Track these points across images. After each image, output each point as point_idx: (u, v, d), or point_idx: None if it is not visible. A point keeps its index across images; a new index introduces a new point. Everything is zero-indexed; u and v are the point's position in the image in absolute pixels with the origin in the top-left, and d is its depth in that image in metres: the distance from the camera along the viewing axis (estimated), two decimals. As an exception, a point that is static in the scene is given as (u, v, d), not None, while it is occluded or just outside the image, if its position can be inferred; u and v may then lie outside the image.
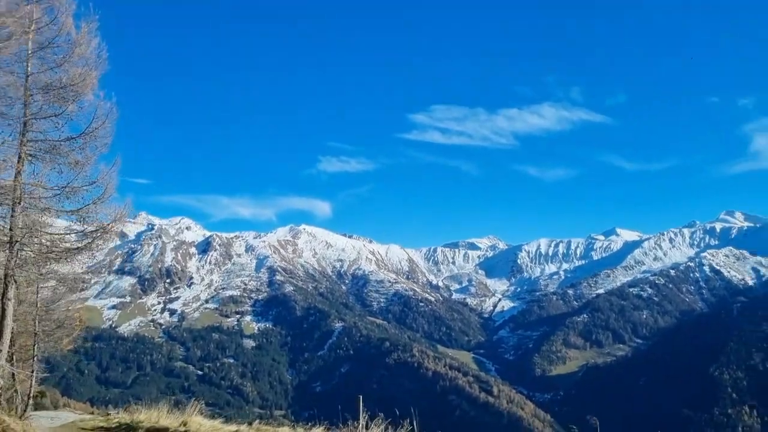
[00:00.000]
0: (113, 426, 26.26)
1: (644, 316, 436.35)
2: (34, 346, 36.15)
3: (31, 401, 34.48)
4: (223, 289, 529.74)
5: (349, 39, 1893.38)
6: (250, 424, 24.88)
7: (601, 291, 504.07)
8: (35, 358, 36.63)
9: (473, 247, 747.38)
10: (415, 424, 14.19)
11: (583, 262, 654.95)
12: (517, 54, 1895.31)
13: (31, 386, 35.02)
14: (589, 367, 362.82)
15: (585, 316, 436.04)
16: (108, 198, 19.93)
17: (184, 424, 22.77)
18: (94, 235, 20.72)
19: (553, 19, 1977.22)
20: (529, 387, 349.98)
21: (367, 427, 16.81)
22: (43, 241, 20.47)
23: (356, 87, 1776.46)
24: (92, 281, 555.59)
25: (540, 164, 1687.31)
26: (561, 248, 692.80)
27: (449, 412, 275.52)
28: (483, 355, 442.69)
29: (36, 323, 36.43)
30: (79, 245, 21.28)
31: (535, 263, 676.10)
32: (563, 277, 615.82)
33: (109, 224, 20.65)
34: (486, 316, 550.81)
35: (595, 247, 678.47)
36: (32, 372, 35.49)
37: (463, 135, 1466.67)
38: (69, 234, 19.87)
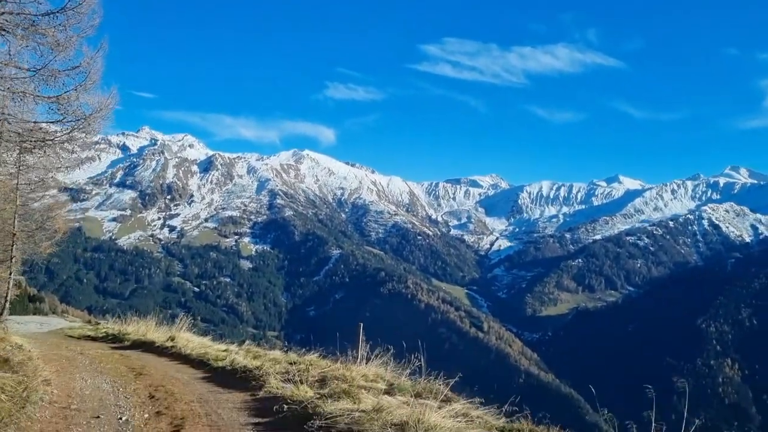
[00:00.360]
0: (100, 335, 25.59)
1: (638, 265, 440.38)
2: (12, 246, 34.76)
3: (8, 304, 33.84)
4: (222, 209, 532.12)
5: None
6: (241, 344, 23.27)
7: (598, 237, 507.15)
8: (13, 259, 35.34)
9: (475, 184, 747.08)
10: (422, 360, 13.61)
11: (583, 207, 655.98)
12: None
13: (8, 288, 34.29)
14: (579, 310, 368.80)
15: (580, 260, 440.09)
16: (92, 86, 17.93)
17: (172, 339, 22.14)
18: (74, 125, 18.71)
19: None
20: (519, 326, 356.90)
21: (367, 359, 15.94)
22: (18, 128, 18.55)
23: (369, 12, 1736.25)
24: (93, 192, 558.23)
25: (549, 106, 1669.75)
26: (562, 192, 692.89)
27: (439, 344, 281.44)
28: (476, 292, 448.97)
29: (14, 222, 34.88)
30: (59, 135, 19.50)
31: (535, 205, 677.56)
32: (562, 221, 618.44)
33: (91, 114, 18.64)
34: (482, 253, 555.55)
35: (596, 193, 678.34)
36: (9, 273, 34.45)
37: (474, 70, 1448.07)
38: (48, 124, 18.14)
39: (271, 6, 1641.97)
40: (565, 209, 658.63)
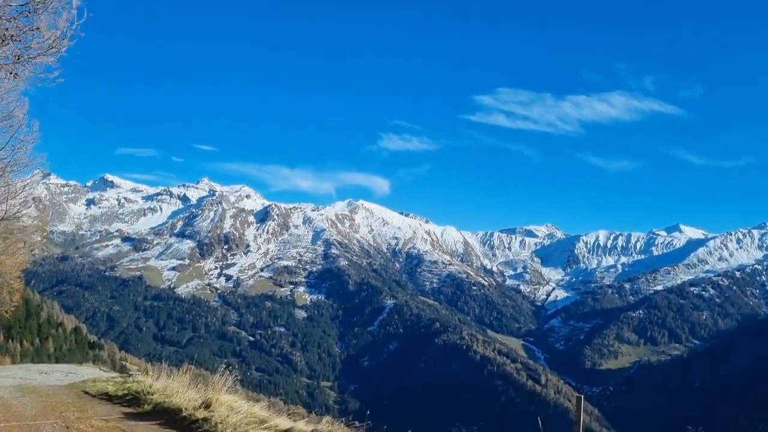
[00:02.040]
0: (119, 394, 21.32)
1: (704, 317, 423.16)
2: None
3: None
4: (278, 258, 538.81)
5: (417, 16, 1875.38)
6: (311, 416, 19.94)
7: (659, 287, 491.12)
8: None
9: (530, 234, 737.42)
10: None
11: (643, 256, 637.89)
12: (588, 39, 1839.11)
13: None
14: (642, 364, 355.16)
15: (641, 312, 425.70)
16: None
17: (206, 407, 15.60)
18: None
19: (627, 4, 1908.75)
20: (578, 379, 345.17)
21: None
22: None
23: (422, 66, 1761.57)
24: (154, 242, 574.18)
25: (604, 154, 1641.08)
26: (620, 241, 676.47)
27: (495, 397, 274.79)
28: (533, 343, 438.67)
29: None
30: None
31: (592, 255, 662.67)
32: (620, 271, 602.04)
33: None
34: (538, 304, 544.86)
35: (656, 243, 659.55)
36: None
37: (527, 119, 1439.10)
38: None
39: (325, 60, 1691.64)
40: (623, 259, 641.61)
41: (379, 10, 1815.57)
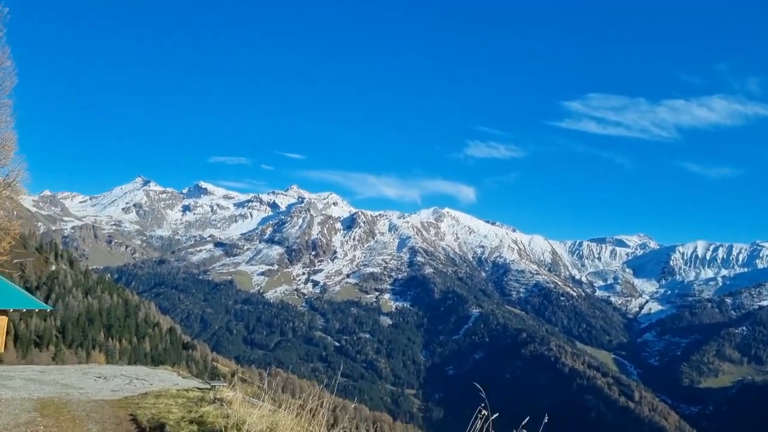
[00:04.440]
0: (193, 417, 13.03)
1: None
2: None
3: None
4: (364, 265, 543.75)
5: (505, 24, 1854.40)
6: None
7: (765, 303, 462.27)
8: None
9: (621, 244, 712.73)
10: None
11: (746, 269, 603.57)
12: (687, 40, 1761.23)
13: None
14: (746, 383, 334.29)
15: (744, 328, 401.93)
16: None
17: None
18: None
19: (728, 1, 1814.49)
20: (674, 397, 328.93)
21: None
22: None
23: (509, 72, 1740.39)
24: (245, 247, 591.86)
25: (703, 161, 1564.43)
26: (720, 253, 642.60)
27: (585, 412, 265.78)
28: (624, 357, 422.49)
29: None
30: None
31: (689, 266, 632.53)
32: (721, 284, 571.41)
33: None
34: (630, 316, 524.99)
35: (760, 255, 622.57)
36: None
37: (620, 126, 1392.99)
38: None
39: (411, 67, 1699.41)
40: (724, 272, 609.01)
41: (467, 19, 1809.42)
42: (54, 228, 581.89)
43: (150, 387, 22.31)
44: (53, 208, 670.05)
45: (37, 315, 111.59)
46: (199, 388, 21.53)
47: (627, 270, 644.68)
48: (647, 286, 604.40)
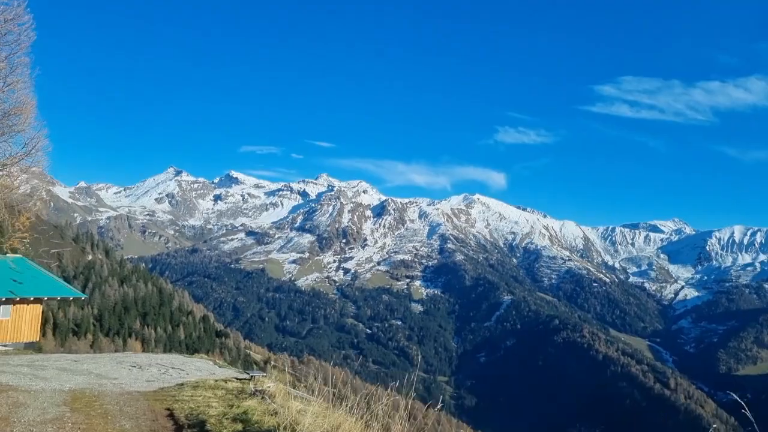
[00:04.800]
0: (236, 415, 11.60)
1: None
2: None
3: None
4: (395, 252, 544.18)
5: (532, 8, 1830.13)
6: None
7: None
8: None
9: (655, 229, 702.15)
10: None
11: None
12: (723, 18, 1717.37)
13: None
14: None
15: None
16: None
17: None
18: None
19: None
20: (711, 384, 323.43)
21: None
22: None
23: (540, 55, 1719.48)
24: (276, 236, 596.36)
25: (740, 144, 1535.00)
26: (759, 237, 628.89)
27: (619, 399, 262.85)
28: (659, 344, 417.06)
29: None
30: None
31: (726, 251, 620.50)
32: (759, 270, 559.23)
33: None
34: (665, 303, 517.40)
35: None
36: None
37: (653, 109, 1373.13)
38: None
39: (440, 52, 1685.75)
40: (762, 257, 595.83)
41: (498, 5, 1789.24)
42: (90, 218, 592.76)
43: (186, 377, 21.36)
44: (89, 199, 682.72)
45: (74, 304, 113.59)
46: (237, 378, 20.54)
47: (662, 256, 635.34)
48: (683, 272, 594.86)
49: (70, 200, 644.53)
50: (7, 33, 19.54)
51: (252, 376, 19.97)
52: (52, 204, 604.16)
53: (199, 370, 24.31)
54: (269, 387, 15.29)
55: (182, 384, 18.37)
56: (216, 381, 18.92)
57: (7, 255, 35.45)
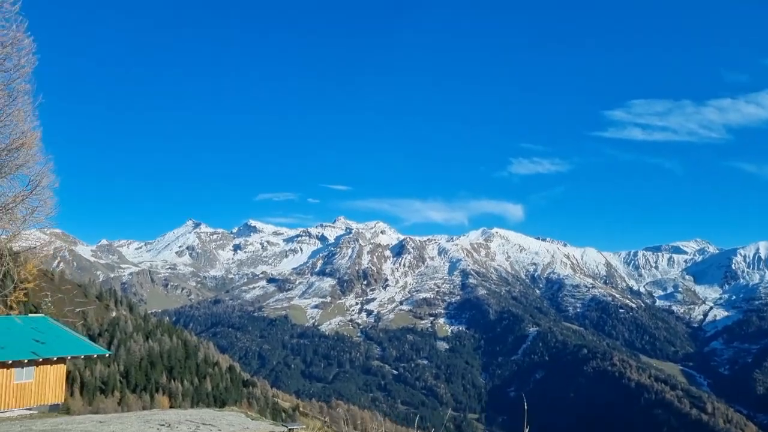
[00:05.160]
0: None
1: None
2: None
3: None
4: (416, 291, 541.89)
5: (540, 40, 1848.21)
6: None
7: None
8: None
9: (678, 251, 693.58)
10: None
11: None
12: (729, 36, 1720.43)
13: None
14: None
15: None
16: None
17: None
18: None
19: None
20: (750, 406, 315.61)
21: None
22: None
23: (548, 86, 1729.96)
24: (297, 282, 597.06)
25: (757, 160, 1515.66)
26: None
27: (656, 428, 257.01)
28: (692, 368, 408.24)
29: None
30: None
31: (753, 269, 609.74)
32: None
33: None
34: (695, 325, 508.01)
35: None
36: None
37: (666, 130, 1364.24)
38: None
39: (451, 91, 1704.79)
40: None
41: (503, 36, 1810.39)
42: (112, 275, 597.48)
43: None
44: (111, 256, 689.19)
45: (100, 361, 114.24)
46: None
47: (687, 277, 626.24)
48: (710, 293, 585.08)
49: (92, 258, 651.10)
50: (6, 59, 17.68)
51: (290, 429, 19.31)
52: (75, 263, 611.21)
53: (231, 425, 23.33)
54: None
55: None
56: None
57: (29, 315, 35.03)
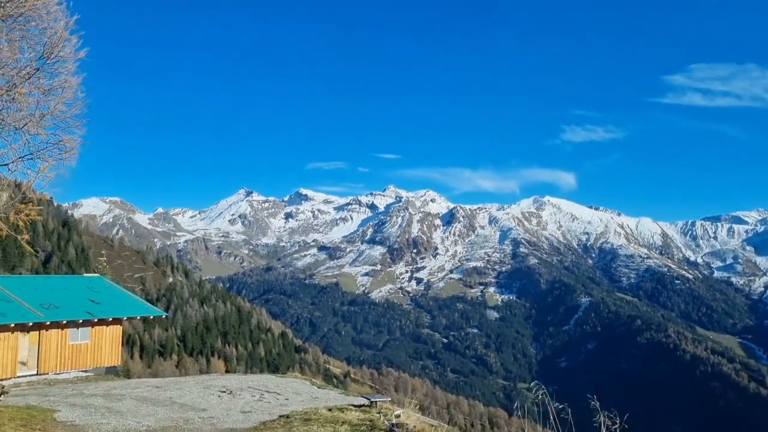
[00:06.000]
0: None
1: None
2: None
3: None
4: (466, 260, 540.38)
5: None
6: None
7: None
8: None
9: (739, 221, 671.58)
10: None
11: None
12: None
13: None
14: None
15: None
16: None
17: None
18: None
19: None
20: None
21: None
22: None
23: (603, 51, 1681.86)
24: (347, 250, 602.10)
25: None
26: None
27: (712, 400, 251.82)
28: (751, 341, 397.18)
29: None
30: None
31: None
32: None
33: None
34: (755, 297, 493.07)
35: None
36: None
37: (729, 96, 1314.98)
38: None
39: (504, 57, 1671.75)
40: None
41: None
42: (168, 243, 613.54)
43: (287, 403, 18.46)
44: (167, 224, 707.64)
45: (159, 326, 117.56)
46: (355, 406, 16.73)
47: (747, 248, 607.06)
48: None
49: (149, 226, 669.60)
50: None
51: (373, 402, 16.89)
52: (133, 231, 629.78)
53: (297, 394, 21.61)
54: (410, 421, 11.94)
55: (288, 417, 15.09)
56: (330, 411, 15.45)
57: (84, 274, 34.21)
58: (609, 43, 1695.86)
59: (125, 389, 21.71)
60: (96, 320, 31.15)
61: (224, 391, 20.70)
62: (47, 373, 29.57)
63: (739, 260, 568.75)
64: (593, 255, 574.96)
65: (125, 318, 33.69)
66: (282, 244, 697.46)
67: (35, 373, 29.22)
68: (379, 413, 14.10)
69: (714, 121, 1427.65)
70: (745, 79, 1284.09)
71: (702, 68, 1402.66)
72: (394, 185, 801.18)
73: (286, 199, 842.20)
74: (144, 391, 21.10)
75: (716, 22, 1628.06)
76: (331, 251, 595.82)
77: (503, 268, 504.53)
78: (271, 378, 27.72)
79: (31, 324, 28.68)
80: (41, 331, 29.41)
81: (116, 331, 32.67)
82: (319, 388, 24.70)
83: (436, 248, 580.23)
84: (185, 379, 30.10)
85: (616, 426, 7.25)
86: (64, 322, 29.83)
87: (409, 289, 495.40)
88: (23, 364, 28.91)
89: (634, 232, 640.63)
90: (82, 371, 30.87)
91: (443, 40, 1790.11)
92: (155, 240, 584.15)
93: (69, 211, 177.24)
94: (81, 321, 30.40)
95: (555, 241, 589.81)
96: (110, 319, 32.00)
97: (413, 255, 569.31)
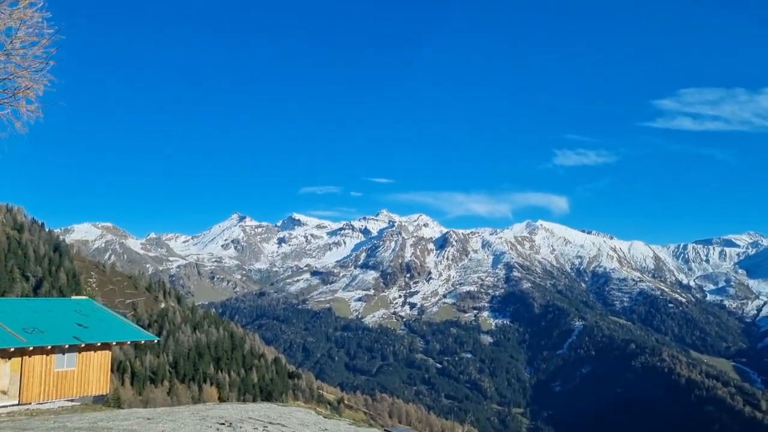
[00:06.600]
0: None
1: None
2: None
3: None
4: (460, 284, 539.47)
5: (585, 25, 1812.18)
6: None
7: None
8: None
9: (730, 244, 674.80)
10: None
11: None
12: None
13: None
14: None
15: None
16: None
17: None
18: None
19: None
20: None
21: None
22: None
23: (594, 75, 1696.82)
24: (340, 274, 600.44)
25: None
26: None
27: (707, 425, 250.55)
28: (746, 364, 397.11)
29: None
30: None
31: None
32: None
33: None
34: (748, 320, 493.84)
35: None
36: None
37: (718, 120, 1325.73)
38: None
39: (495, 82, 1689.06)
40: None
41: (548, 26, 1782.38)
42: (161, 268, 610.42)
43: None
44: (159, 249, 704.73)
45: (150, 352, 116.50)
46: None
47: (739, 271, 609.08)
48: (764, 287, 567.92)
49: (142, 251, 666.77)
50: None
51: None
52: (125, 256, 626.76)
53: (304, 425, 19.46)
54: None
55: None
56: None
57: (73, 296, 32.07)
58: (599, 68, 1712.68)
59: (113, 421, 19.73)
60: (83, 345, 29.06)
61: (223, 423, 18.54)
62: (30, 403, 27.54)
63: (732, 283, 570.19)
64: (586, 279, 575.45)
65: (115, 343, 31.70)
66: (275, 269, 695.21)
67: (17, 402, 27.06)
68: None
69: (704, 145, 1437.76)
70: (734, 103, 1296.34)
71: (691, 92, 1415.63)
72: (387, 209, 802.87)
73: (279, 224, 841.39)
74: (133, 423, 18.87)
75: (704, 47, 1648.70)
76: (324, 276, 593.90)
77: (497, 293, 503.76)
78: (273, 407, 25.91)
79: (12, 349, 26.53)
80: (24, 357, 27.28)
81: (105, 356, 30.52)
82: (325, 417, 23.39)
83: (430, 273, 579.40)
84: (179, 409, 27.05)
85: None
86: (49, 347, 27.81)
87: (402, 313, 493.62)
88: (4, 393, 26.84)
89: (627, 255, 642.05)
90: (67, 400, 28.86)
91: (438, 60, 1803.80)
92: (147, 265, 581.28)
93: (61, 237, 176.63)
94: (67, 346, 28.36)
95: (548, 265, 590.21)
96: (99, 344, 30.01)
97: (406, 280, 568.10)
